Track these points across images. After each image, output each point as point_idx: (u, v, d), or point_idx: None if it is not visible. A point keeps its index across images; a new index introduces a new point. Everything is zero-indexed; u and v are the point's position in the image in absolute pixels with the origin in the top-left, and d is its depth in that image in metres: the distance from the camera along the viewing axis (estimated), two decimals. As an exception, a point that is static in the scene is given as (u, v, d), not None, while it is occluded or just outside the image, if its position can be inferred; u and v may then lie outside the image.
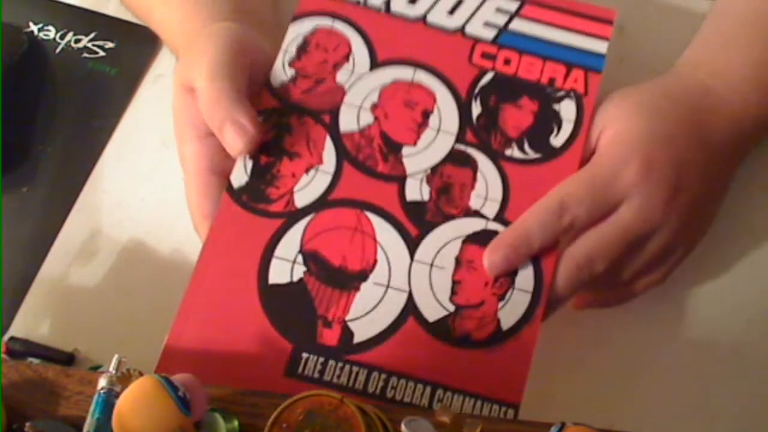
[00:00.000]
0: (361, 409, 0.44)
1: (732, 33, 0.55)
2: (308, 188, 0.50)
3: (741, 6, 0.56)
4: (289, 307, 0.47)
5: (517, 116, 0.52)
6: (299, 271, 0.48)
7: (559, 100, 0.52)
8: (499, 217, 0.49)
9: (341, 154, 0.51)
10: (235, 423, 0.46)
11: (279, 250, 0.48)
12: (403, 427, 0.41)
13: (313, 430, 0.43)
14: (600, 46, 0.53)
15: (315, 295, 0.47)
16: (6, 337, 0.55)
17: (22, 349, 0.54)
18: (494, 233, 0.49)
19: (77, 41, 0.66)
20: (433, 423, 0.42)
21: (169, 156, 0.61)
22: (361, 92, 0.52)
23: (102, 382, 0.45)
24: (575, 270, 0.48)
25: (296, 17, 0.54)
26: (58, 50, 0.66)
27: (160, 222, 0.59)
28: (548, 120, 0.51)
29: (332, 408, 0.44)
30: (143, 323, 0.56)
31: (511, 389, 0.45)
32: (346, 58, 0.53)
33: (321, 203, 0.50)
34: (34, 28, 0.67)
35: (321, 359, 0.46)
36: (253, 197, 0.50)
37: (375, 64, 0.53)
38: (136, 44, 0.66)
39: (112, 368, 0.46)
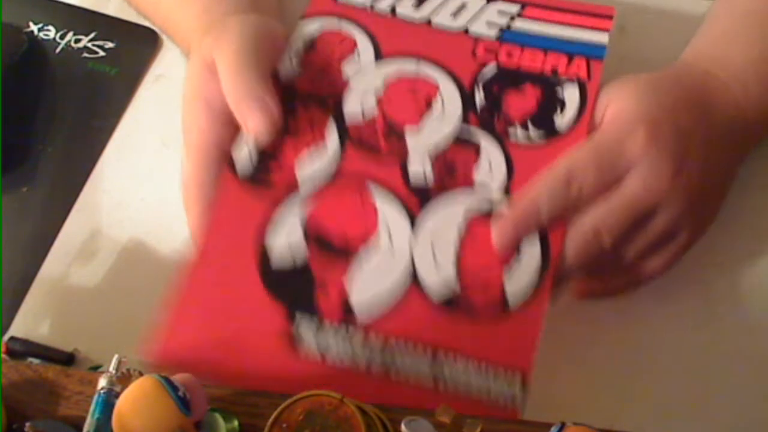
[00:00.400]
0: (361, 409, 0.44)
1: (732, 31, 0.56)
2: (310, 165, 0.50)
3: (741, 4, 0.56)
4: (287, 275, 0.47)
5: (521, 102, 0.52)
6: (299, 243, 0.48)
7: (562, 85, 0.52)
8: (504, 192, 0.49)
9: (344, 135, 0.51)
10: (235, 423, 0.46)
11: (278, 220, 0.48)
12: (403, 427, 0.41)
13: (313, 430, 0.43)
14: (601, 37, 0.54)
15: (313, 262, 0.47)
16: (6, 337, 0.55)
17: (22, 349, 0.54)
18: (498, 207, 0.48)
19: (77, 41, 0.66)
20: (433, 423, 0.42)
21: (169, 156, 0.61)
22: (365, 81, 0.53)
23: (102, 382, 0.45)
24: (583, 242, 0.48)
25: (304, 18, 0.56)
26: (58, 50, 0.66)
27: (160, 222, 0.59)
28: (552, 104, 0.51)
29: (332, 408, 0.44)
30: (143, 323, 0.56)
31: (520, 355, 0.44)
32: (352, 52, 0.54)
33: (323, 179, 0.50)
34: (34, 28, 0.67)
35: (317, 322, 0.46)
36: (255, 171, 0.50)
37: (379, 58, 0.54)
38: (136, 44, 0.66)
39: (112, 368, 0.46)
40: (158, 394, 0.42)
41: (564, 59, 0.53)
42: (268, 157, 0.51)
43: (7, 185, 0.61)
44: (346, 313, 0.46)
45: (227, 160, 0.51)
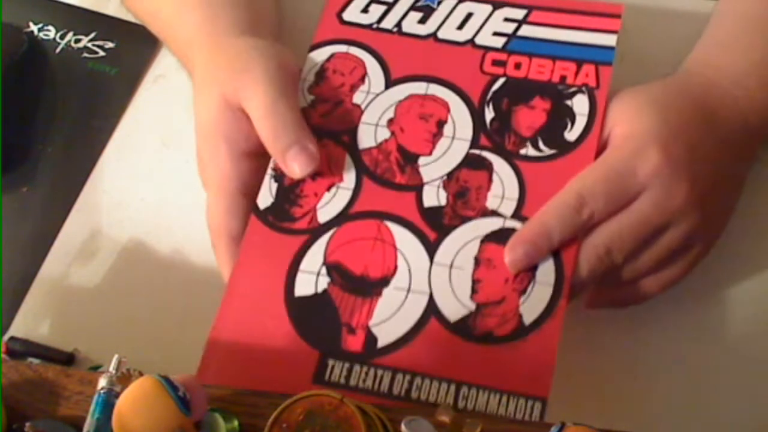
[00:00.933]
0: (361, 409, 0.44)
1: (734, 35, 0.56)
2: (330, 205, 0.51)
3: (742, 6, 0.56)
4: (314, 317, 0.48)
5: (530, 116, 0.52)
6: (323, 283, 0.49)
7: (572, 95, 0.53)
8: (517, 215, 0.50)
9: (360, 170, 0.52)
10: (235, 423, 0.46)
11: (304, 264, 0.50)
12: (403, 427, 0.41)
13: (313, 430, 0.43)
14: (609, 39, 0.54)
15: (339, 303, 0.48)
16: (6, 337, 0.55)
17: (22, 349, 0.54)
18: (512, 231, 0.49)
19: (77, 41, 0.66)
20: (433, 423, 0.42)
21: (169, 156, 0.61)
22: (377, 110, 0.54)
23: (102, 382, 0.45)
24: (596, 260, 0.48)
25: (314, 46, 0.57)
26: (58, 50, 0.66)
27: (160, 222, 0.59)
28: (561, 116, 0.52)
29: (332, 408, 0.44)
30: (143, 323, 0.56)
31: (538, 383, 0.45)
32: (362, 79, 0.55)
33: (342, 217, 0.51)
34: (34, 28, 0.67)
35: (347, 365, 0.47)
36: (279, 217, 0.51)
37: (390, 82, 0.55)
38: (136, 44, 0.66)
39: (112, 368, 0.46)
40: (158, 394, 0.42)
41: (573, 67, 0.53)
42: (290, 198, 0.52)
43: (7, 185, 0.61)
44: (372, 351, 0.47)
45: (252, 201, 0.52)
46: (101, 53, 0.66)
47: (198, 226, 0.58)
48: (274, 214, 0.51)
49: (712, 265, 0.54)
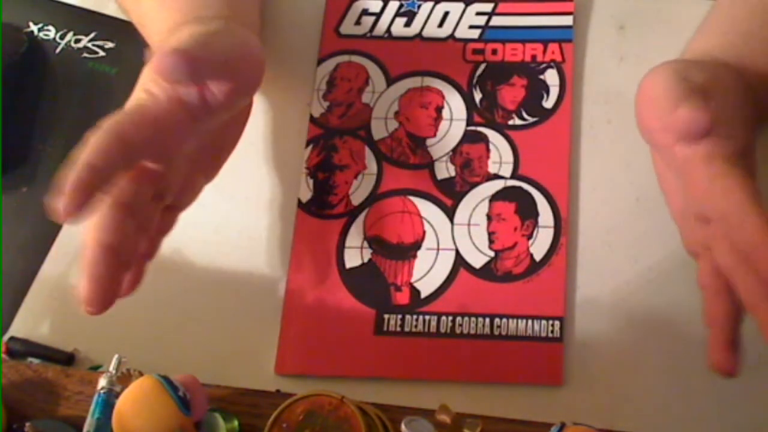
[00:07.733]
0: (361, 409, 0.44)
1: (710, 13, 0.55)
2: (360, 189, 0.59)
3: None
4: (366, 283, 0.56)
5: (512, 92, 0.61)
6: (367, 254, 0.57)
7: (543, 71, 0.61)
8: (515, 175, 0.58)
9: (379, 157, 0.60)
10: (235, 423, 0.46)
11: (348, 241, 0.58)
12: (403, 427, 0.41)
13: (313, 430, 0.43)
14: (567, 20, 0.62)
15: (384, 268, 0.57)
16: (6, 337, 0.55)
17: (22, 349, 0.54)
18: (513, 188, 0.58)
19: (77, 41, 0.66)
20: (433, 423, 0.42)
21: (169, 156, 0.61)
22: (384, 106, 0.62)
23: (102, 382, 0.45)
24: None
25: (320, 60, 0.64)
26: (58, 50, 0.66)
27: (160, 222, 0.59)
28: (538, 89, 0.61)
29: (332, 408, 0.44)
30: (143, 323, 0.56)
31: (554, 306, 0.54)
32: (366, 82, 0.63)
33: (372, 198, 0.59)
34: (34, 28, 0.67)
35: (399, 316, 0.55)
36: (319, 206, 0.59)
37: (390, 81, 0.62)
38: (136, 44, 0.66)
39: (112, 368, 0.46)
40: (158, 394, 0.42)
41: (540, 47, 0.62)
42: (326, 189, 0.59)
43: (7, 185, 0.61)
44: (417, 302, 0.55)
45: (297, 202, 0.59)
46: (101, 53, 0.66)
47: (198, 226, 0.58)
48: (315, 205, 0.59)
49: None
